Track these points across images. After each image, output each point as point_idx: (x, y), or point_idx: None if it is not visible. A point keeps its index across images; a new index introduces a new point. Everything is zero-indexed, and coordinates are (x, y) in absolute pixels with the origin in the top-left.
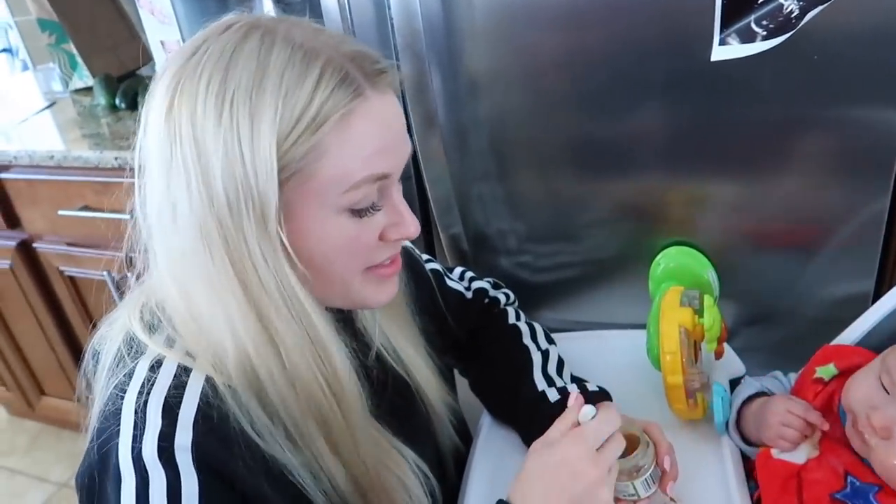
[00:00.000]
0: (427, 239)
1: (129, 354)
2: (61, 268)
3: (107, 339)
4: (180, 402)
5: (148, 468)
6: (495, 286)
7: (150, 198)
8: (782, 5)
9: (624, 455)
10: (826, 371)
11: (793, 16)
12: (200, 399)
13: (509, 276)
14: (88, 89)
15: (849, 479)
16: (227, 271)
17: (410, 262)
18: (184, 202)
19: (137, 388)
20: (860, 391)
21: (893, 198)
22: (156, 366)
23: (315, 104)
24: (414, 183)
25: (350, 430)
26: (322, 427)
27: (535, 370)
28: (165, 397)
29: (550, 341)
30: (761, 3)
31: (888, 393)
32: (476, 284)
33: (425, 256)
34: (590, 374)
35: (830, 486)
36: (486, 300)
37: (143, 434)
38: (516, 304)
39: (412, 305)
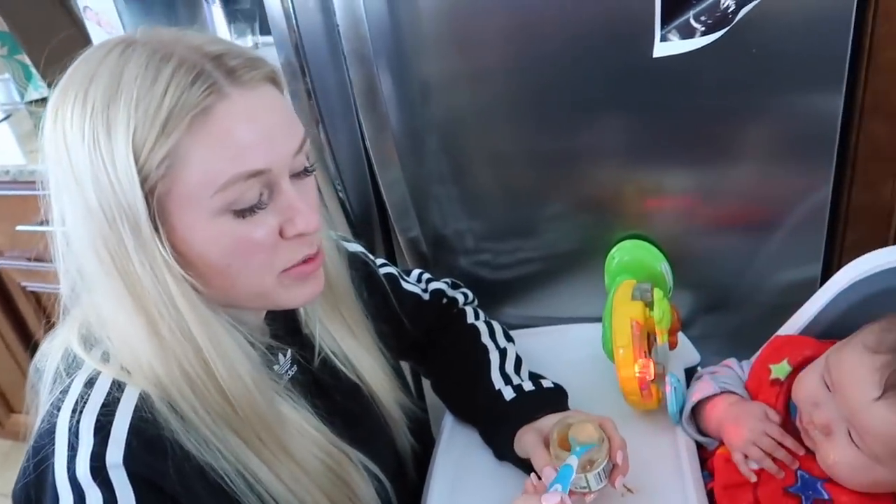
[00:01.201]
0: (386, 244)
1: (66, 371)
2: (23, 283)
3: (47, 356)
4: (112, 419)
5: (83, 487)
6: (454, 286)
7: (53, 214)
8: (719, 1)
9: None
10: (781, 370)
11: (729, 11)
12: (133, 414)
13: (470, 275)
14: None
15: (799, 473)
16: (118, 284)
17: (364, 268)
18: (71, 218)
19: (71, 406)
20: (805, 389)
21: (836, 183)
22: (90, 382)
23: (165, 107)
24: (371, 188)
25: (261, 432)
26: (234, 431)
27: (492, 369)
28: (98, 415)
29: (509, 339)
30: None
31: (830, 391)
32: (433, 286)
33: (380, 261)
34: (549, 369)
35: (784, 481)
36: (445, 300)
37: (76, 454)
38: (475, 303)
39: (364, 310)
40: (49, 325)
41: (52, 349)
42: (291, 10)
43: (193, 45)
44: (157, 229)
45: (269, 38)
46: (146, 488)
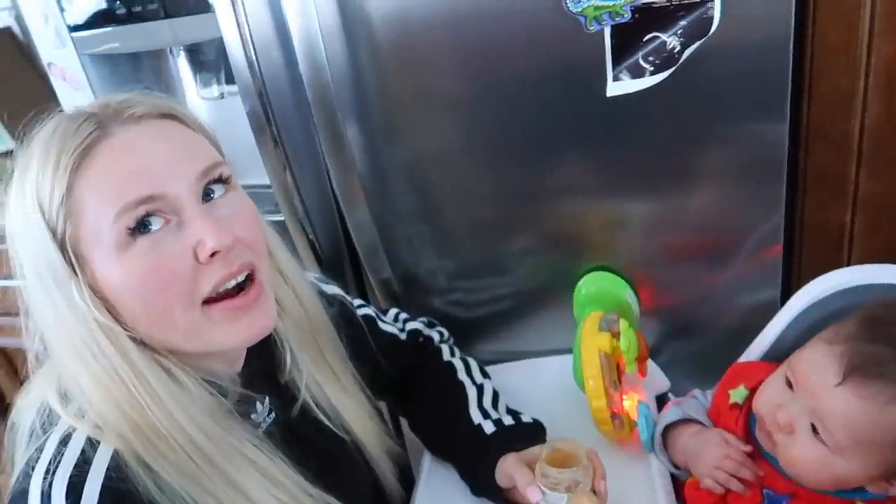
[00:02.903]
0: (358, 286)
1: (42, 427)
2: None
3: (22, 411)
4: (84, 480)
5: None
6: (429, 325)
7: (14, 269)
8: (665, 42)
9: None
10: (739, 395)
11: (675, 51)
12: (106, 474)
13: (443, 314)
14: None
15: (764, 492)
16: (60, 339)
17: (342, 309)
18: (20, 279)
19: (45, 467)
20: (766, 395)
21: (788, 209)
22: (65, 440)
23: (54, 152)
24: (340, 230)
25: (224, 486)
26: (197, 482)
27: (470, 405)
28: (70, 477)
29: (485, 375)
30: (646, 41)
31: (792, 390)
32: (410, 326)
33: (357, 302)
34: (525, 403)
35: (751, 500)
36: (421, 339)
37: None
38: (451, 341)
39: (346, 354)
40: (21, 383)
41: (27, 403)
42: (255, 60)
43: (102, 102)
44: (76, 275)
45: (235, 88)
46: None
